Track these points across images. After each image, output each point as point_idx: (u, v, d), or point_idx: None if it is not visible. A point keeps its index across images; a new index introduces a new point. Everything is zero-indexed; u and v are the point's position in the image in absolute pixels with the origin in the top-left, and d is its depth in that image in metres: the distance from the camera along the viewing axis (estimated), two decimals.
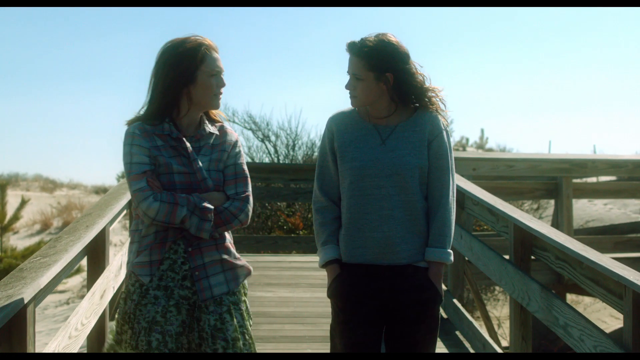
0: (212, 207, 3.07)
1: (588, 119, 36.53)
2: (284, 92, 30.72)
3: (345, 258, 3.25)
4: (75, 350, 3.78)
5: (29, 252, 13.41)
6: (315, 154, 15.33)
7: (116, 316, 3.20)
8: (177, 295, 3.08)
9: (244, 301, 3.24)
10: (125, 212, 5.89)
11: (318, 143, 15.41)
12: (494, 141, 25.12)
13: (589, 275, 4.03)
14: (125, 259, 5.36)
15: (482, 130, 25.13)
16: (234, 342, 3.10)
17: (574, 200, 14.60)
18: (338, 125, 3.30)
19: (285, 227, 12.50)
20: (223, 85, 3.20)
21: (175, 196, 3.04)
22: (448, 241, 3.23)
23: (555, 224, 9.22)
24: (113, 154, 38.18)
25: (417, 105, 3.26)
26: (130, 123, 3.18)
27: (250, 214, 3.24)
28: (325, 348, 5.88)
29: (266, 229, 12.74)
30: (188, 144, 3.14)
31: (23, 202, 13.91)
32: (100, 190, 30.79)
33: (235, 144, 3.30)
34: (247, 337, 3.17)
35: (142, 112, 3.20)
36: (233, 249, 3.25)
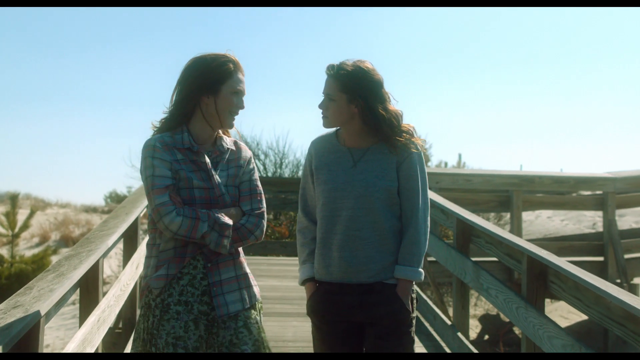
0: (231, 223, 3.11)
1: (556, 143, 38.25)
2: (273, 114, 32.12)
3: (317, 276, 3.38)
4: (124, 299, 5.13)
5: (38, 258, 14.74)
6: (301, 171, 16.75)
7: (133, 336, 3.23)
8: (197, 311, 3.09)
9: (258, 316, 3.28)
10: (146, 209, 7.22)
11: (303, 162, 16.81)
12: (470, 165, 26.61)
13: (505, 251, 5.44)
14: None
15: (460, 155, 26.64)
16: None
17: (535, 217, 16.13)
18: (316, 149, 3.41)
19: (272, 237, 13.87)
20: (242, 107, 3.20)
21: (197, 211, 3.04)
22: (417, 260, 3.29)
23: (511, 232, 10.61)
24: (99, 175, 38.89)
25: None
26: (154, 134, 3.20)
27: (264, 229, 3.26)
28: (308, 322, 7.25)
29: None
30: (207, 159, 3.17)
31: (32, 213, 15.28)
32: (89, 210, 31.63)
33: (249, 160, 3.33)
34: (265, 349, 3.21)
35: (161, 122, 3.22)
36: (246, 266, 3.30)
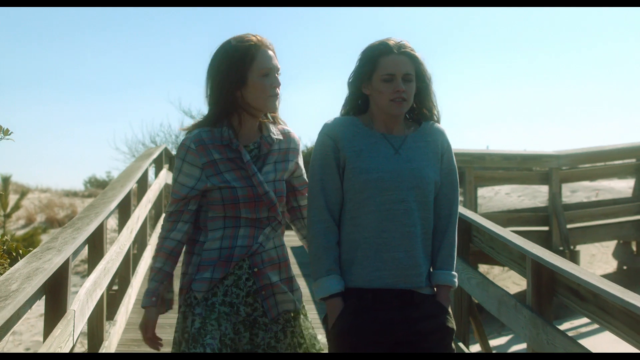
0: (163, 270, 3.01)
1: (521, 126, 39.63)
2: None
3: (360, 283, 2.90)
4: (122, 255, 6.15)
5: (28, 236, 15.69)
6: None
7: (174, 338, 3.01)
8: (243, 312, 2.97)
9: (303, 320, 3.10)
10: (136, 185, 8.22)
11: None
12: None
13: None
14: (141, 212, 7.72)
15: None
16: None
17: (494, 193, 17.26)
18: (343, 133, 2.94)
19: None
20: (278, 84, 2.98)
21: (164, 247, 3.02)
22: (454, 264, 3.01)
23: (465, 206, 11.63)
24: (77, 161, 39.23)
25: (414, 116, 3.05)
26: (189, 130, 3.05)
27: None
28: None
29: None
30: (247, 157, 2.97)
31: (23, 194, 16.24)
32: (70, 194, 32.31)
33: (299, 151, 3.14)
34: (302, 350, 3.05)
35: (201, 119, 3.06)
36: (291, 270, 3.12)
